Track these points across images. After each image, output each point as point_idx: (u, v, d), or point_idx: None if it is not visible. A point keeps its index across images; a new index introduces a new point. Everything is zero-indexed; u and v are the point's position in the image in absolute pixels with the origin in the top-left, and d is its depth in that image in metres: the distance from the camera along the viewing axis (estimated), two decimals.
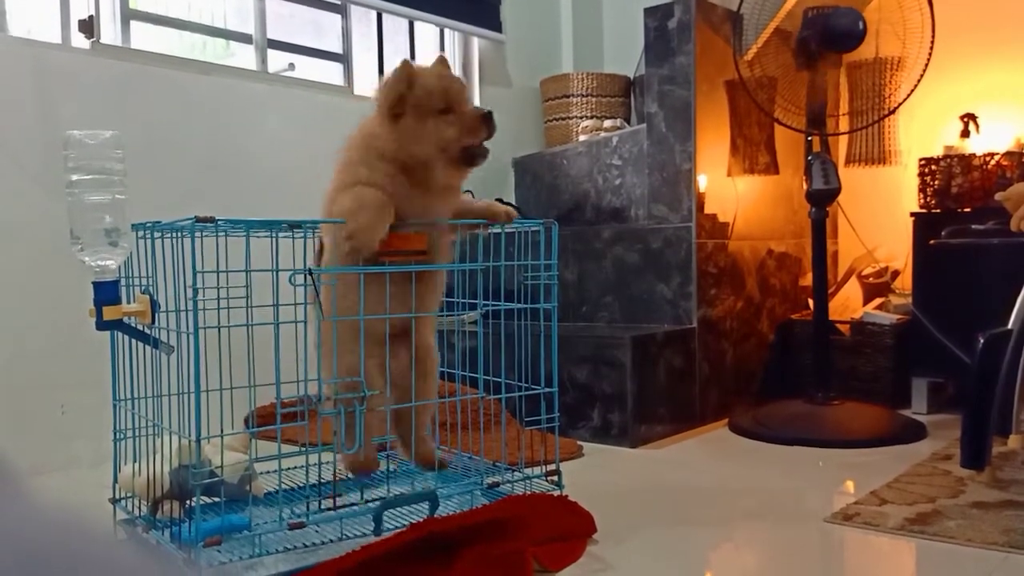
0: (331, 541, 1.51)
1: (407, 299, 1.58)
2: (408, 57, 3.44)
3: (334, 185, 1.60)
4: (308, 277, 1.50)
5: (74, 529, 0.36)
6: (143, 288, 1.56)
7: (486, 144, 1.61)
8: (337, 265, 1.57)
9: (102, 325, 1.50)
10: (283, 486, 1.63)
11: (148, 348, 1.56)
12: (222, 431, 1.51)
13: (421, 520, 1.55)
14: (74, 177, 1.45)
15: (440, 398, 1.91)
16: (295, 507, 1.61)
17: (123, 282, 1.58)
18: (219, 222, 1.43)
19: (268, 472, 1.79)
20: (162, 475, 1.57)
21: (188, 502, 1.57)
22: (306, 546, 1.50)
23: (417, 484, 1.80)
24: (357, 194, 1.52)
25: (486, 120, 1.57)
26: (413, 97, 1.54)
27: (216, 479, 1.50)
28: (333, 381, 1.57)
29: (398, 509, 1.63)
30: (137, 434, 1.67)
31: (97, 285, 1.48)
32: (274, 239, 1.53)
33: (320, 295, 1.51)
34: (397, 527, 1.55)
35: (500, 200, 3.26)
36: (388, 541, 1.44)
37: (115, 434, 1.71)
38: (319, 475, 1.71)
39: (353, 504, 1.63)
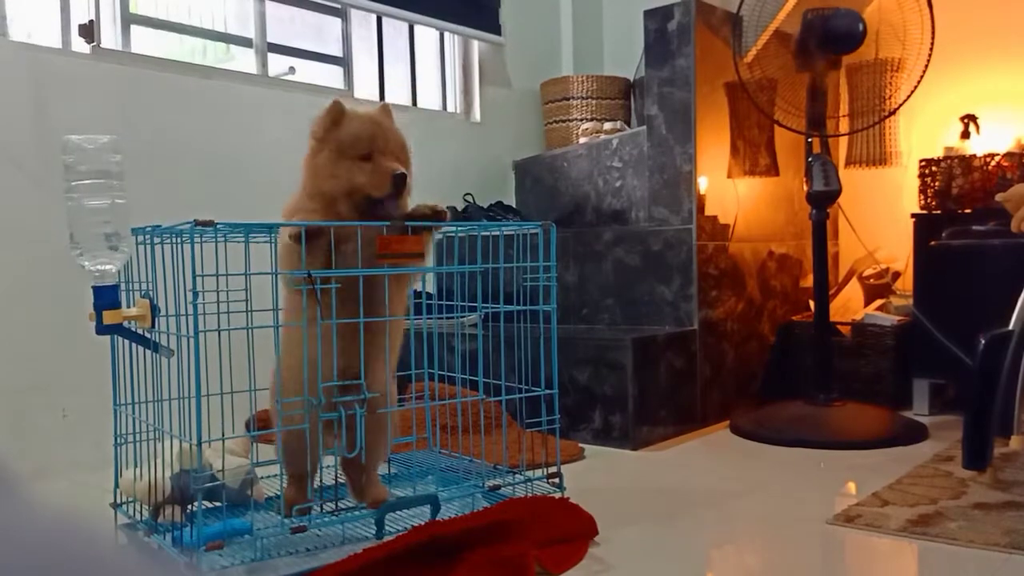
0: (333, 545, 1.51)
1: (356, 336, 1.58)
2: (408, 61, 3.44)
3: (291, 200, 1.67)
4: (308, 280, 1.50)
5: (75, 533, 0.36)
6: (143, 292, 1.56)
7: (406, 199, 1.63)
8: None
9: (102, 329, 1.50)
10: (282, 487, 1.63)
11: (148, 352, 1.56)
12: (223, 435, 1.50)
13: (423, 523, 1.55)
14: (73, 182, 1.45)
15: (440, 400, 1.91)
16: (297, 510, 1.61)
17: (123, 286, 1.58)
18: (219, 226, 1.43)
19: (269, 476, 1.79)
20: (163, 480, 1.57)
21: (189, 506, 1.57)
22: (308, 550, 1.50)
23: (418, 488, 1.80)
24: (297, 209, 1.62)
25: (396, 180, 1.57)
26: (337, 136, 1.59)
27: (217, 483, 1.49)
28: (334, 383, 1.57)
29: (400, 512, 1.63)
30: (138, 439, 1.67)
31: (97, 289, 1.48)
32: (273, 243, 1.53)
33: (322, 300, 1.51)
34: (399, 530, 1.55)
35: (497, 208, 3.26)
36: (390, 544, 1.44)
37: (116, 439, 1.71)
38: (320, 479, 1.71)
39: (355, 508, 1.63)
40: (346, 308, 1.53)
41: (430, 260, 1.72)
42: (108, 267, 1.48)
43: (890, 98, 2.65)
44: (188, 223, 1.41)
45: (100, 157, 1.46)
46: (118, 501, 1.74)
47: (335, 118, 1.60)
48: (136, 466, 1.66)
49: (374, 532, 1.56)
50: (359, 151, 1.58)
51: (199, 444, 1.40)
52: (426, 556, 1.43)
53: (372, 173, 1.57)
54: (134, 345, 1.60)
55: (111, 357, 1.68)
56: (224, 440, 1.53)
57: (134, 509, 1.69)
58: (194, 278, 1.38)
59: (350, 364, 1.57)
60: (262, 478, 1.75)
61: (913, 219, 2.85)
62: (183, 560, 1.43)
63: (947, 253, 2.73)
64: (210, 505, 1.57)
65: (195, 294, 1.37)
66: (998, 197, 2.02)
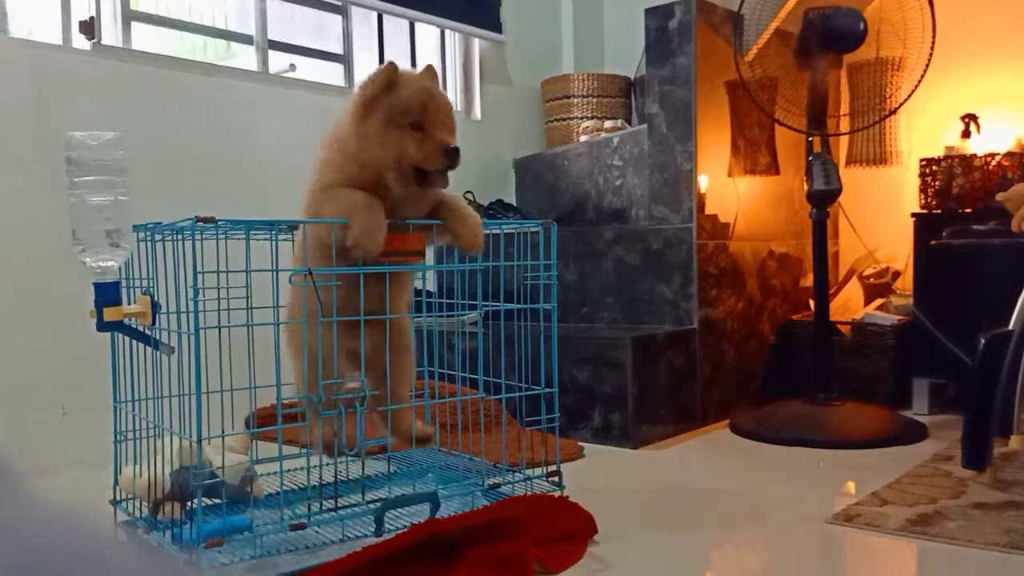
0: (333, 542, 1.51)
1: (377, 300, 1.58)
2: (409, 59, 3.44)
3: (314, 185, 1.58)
4: (308, 277, 1.50)
5: (75, 530, 0.36)
6: (144, 289, 1.56)
7: (448, 174, 1.56)
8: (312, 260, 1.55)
9: (103, 326, 1.50)
10: (284, 487, 1.63)
11: (149, 349, 1.56)
12: (223, 432, 1.50)
13: (422, 521, 1.55)
14: (76, 178, 1.45)
15: (440, 399, 1.91)
16: (296, 508, 1.61)
17: (124, 283, 1.58)
18: (219, 222, 1.43)
19: (269, 473, 1.79)
20: (163, 477, 1.57)
21: (189, 503, 1.57)
22: (308, 547, 1.50)
23: (418, 485, 1.80)
24: (343, 198, 1.51)
25: (449, 154, 1.52)
26: (388, 102, 1.52)
27: (217, 480, 1.49)
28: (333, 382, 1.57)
29: (399, 510, 1.63)
30: (138, 436, 1.67)
31: (98, 286, 1.49)
32: (274, 240, 1.53)
33: (320, 295, 1.51)
34: (398, 528, 1.55)
35: (497, 206, 3.26)
36: (389, 542, 1.44)
37: (116, 436, 1.71)
38: (320, 476, 1.71)
39: (354, 505, 1.63)
40: (351, 301, 1.54)
41: (430, 258, 1.72)
42: (110, 263, 1.49)
43: (891, 97, 2.65)
44: (189, 220, 1.41)
45: (103, 154, 1.46)
46: (118, 498, 1.74)
47: (389, 81, 1.52)
48: (136, 463, 1.66)
49: (373, 530, 1.56)
50: (411, 118, 1.51)
51: (199, 441, 1.40)
52: (426, 554, 1.43)
53: (423, 143, 1.51)
54: (134, 342, 1.60)
55: (111, 354, 1.69)
56: (224, 437, 1.53)
57: (133, 506, 1.69)
58: (195, 275, 1.38)
59: (372, 308, 1.57)
60: (262, 475, 1.75)
61: (913, 218, 2.85)
62: (183, 557, 1.43)
63: (947, 253, 2.73)
64: (209, 502, 1.56)
65: (196, 291, 1.37)
66: (998, 196, 2.02)
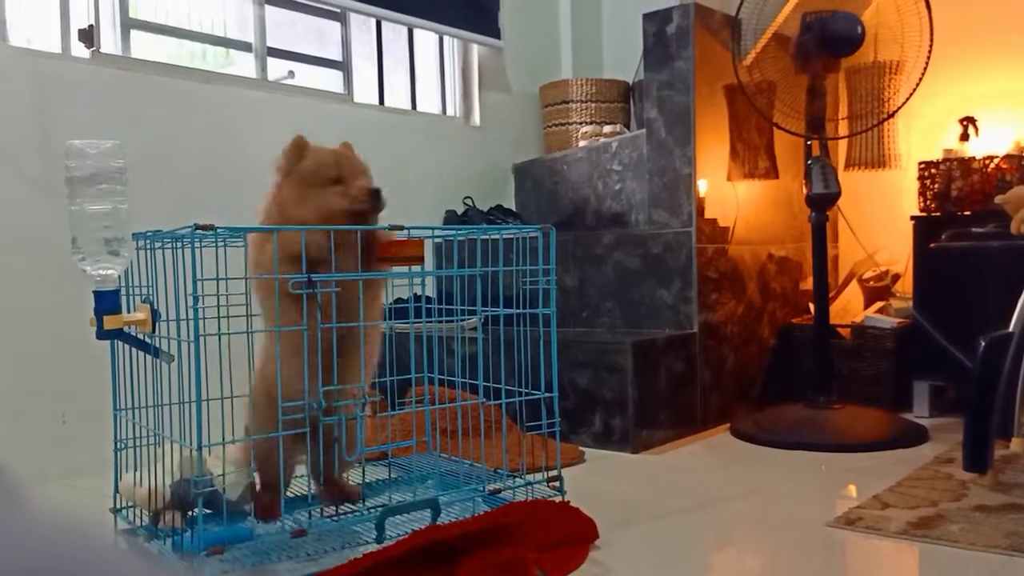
0: (333, 549, 1.51)
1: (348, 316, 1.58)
2: (408, 65, 3.45)
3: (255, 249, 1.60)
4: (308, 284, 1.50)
5: (76, 539, 0.36)
6: (143, 297, 1.56)
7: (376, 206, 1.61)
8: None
9: (103, 334, 1.50)
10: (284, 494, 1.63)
11: (148, 357, 1.56)
12: (223, 440, 1.50)
13: (423, 527, 1.55)
14: (75, 187, 1.45)
15: (441, 404, 1.91)
16: (297, 515, 1.61)
17: (123, 291, 1.58)
18: (219, 230, 1.43)
19: None
20: (163, 486, 1.56)
21: (189, 512, 1.56)
22: (308, 555, 1.50)
23: (419, 492, 1.80)
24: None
25: (373, 195, 1.59)
26: (301, 167, 1.59)
27: (217, 493, 1.49)
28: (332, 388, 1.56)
29: (400, 516, 1.63)
30: (138, 443, 1.67)
31: (98, 295, 1.48)
32: (274, 248, 1.53)
33: (321, 303, 1.51)
34: (399, 535, 1.55)
35: (497, 212, 3.26)
36: (390, 549, 1.43)
37: (116, 443, 1.71)
38: (320, 483, 1.70)
39: (355, 512, 1.63)
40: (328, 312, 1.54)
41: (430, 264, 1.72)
42: (109, 272, 1.49)
43: (889, 100, 2.65)
44: (188, 227, 1.41)
45: (103, 162, 1.46)
46: (118, 506, 1.74)
47: (299, 150, 1.61)
48: (136, 470, 1.65)
49: (374, 536, 1.55)
50: (330, 175, 1.59)
51: (199, 449, 1.40)
52: (427, 560, 1.43)
53: (345, 193, 1.58)
54: (134, 350, 1.60)
55: (111, 361, 1.68)
56: (224, 445, 1.53)
57: (134, 514, 1.69)
58: (195, 283, 1.38)
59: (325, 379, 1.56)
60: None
61: (912, 221, 2.85)
62: (184, 565, 1.42)
63: (947, 255, 2.73)
64: (209, 511, 1.56)
65: (196, 299, 1.37)
66: (997, 199, 2.03)
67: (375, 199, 1.59)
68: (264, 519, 1.58)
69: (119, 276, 1.52)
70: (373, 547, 1.49)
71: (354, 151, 1.69)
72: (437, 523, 1.60)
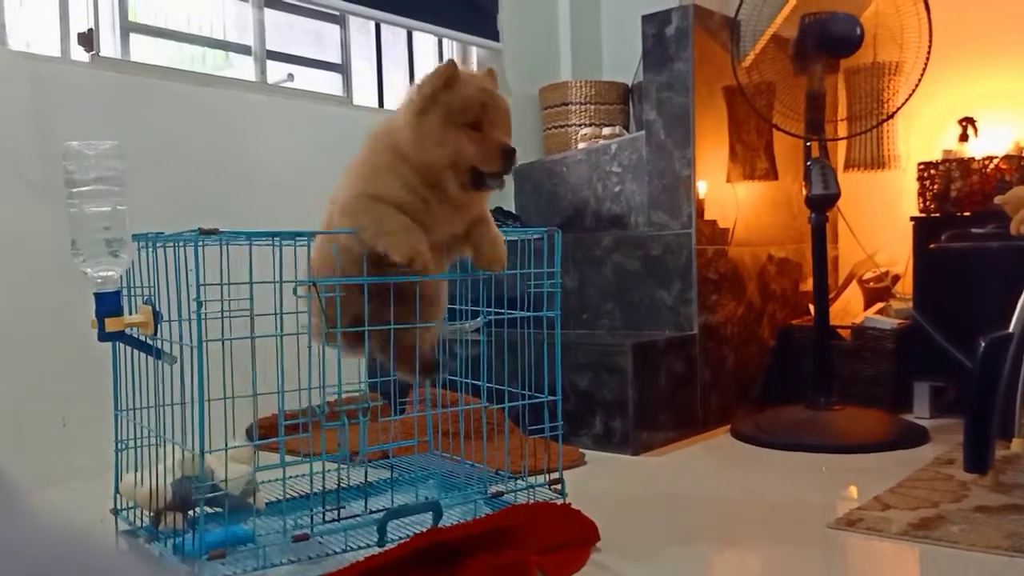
0: (336, 553, 1.51)
1: (407, 316, 1.59)
2: (407, 67, 3.45)
3: (352, 188, 1.52)
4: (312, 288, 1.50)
5: (76, 542, 0.36)
6: (145, 299, 1.56)
7: (504, 177, 1.52)
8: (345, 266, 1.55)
9: (104, 337, 1.50)
10: (285, 497, 1.63)
11: (149, 358, 1.56)
12: (227, 444, 1.50)
13: (425, 530, 1.55)
14: (74, 188, 1.45)
15: (443, 408, 1.91)
16: (299, 518, 1.61)
17: (125, 293, 1.57)
18: (222, 234, 1.43)
19: (271, 480, 1.78)
20: (164, 486, 1.56)
21: (191, 513, 1.56)
22: (311, 558, 1.50)
23: (421, 494, 1.80)
24: (386, 219, 1.47)
25: (505, 155, 1.48)
26: (447, 100, 1.47)
27: (220, 493, 1.49)
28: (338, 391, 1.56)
29: (402, 519, 1.63)
30: (139, 444, 1.67)
31: (99, 296, 1.48)
32: (279, 248, 1.52)
33: (323, 305, 1.51)
34: (401, 537, 1.55)
35: (497, 214, 3.26)
36: (392, 551, 1.44)
37: (116, 444, 1.70)
38: (323, 485, 1.70)
39: (357, 515, 1.63)
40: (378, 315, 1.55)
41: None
42: (110, 273, 1.48)
43: (888, 101, 2.66)
44: (192, 231, 1.41)
45: (101, 163, 1.45)
46: (118, 507, 1.73)
47: (448, 79, 1.47)
48: (137, 471, 1.65)
49: (376, 539, 1.55)
50: (469, 119, 1.47)
51: (202, 453, 1.40)
52: (428, 562, 1.43)
53: (482, 143, 1.47)
54: (136, 351, 1.60)
55: (112, 363, 1.68)
56: (227, 449, 1.52)
57: (135, 515, 1.69)
58: (198, 287, 1.37)
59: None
60: (263, 483, 1.74)
61: (912, 222, 2.85)
62: (185, 568, 1.42)
63: (946, 256, 2.74)
64: (211, 510, 1.56)
65: (199, 303, 1.37)
66: (997, 200, 2.03)
67: (508, 159, 1.48)
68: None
69: (120, 278, 1.52)
70: (375, 550, 1.49)
71: (497, 85, 1.57)
72: (439, 526, 1.60)
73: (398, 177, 1.49)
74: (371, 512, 1.63)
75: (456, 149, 1.47)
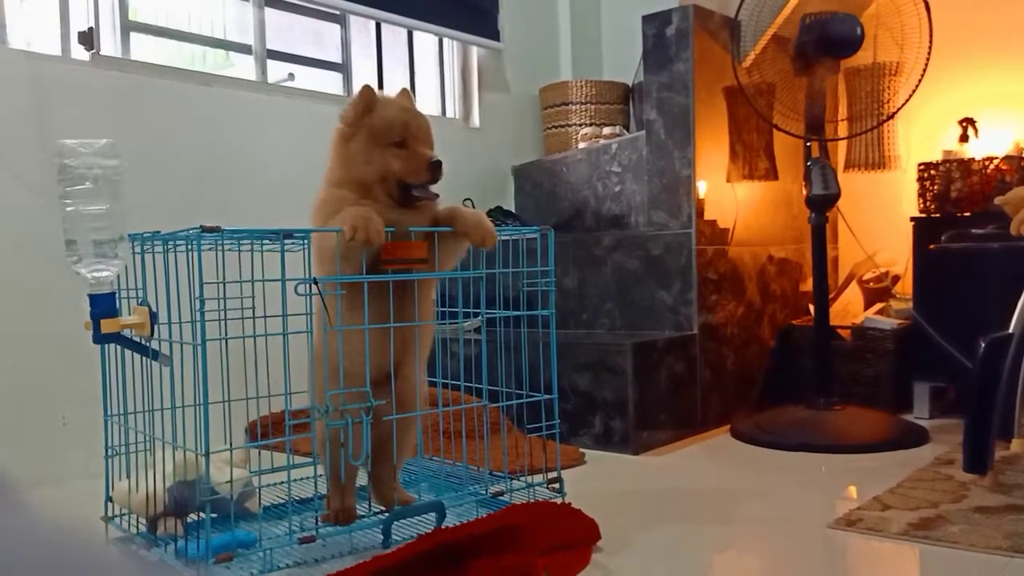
0: (340, 555, 1.51)
1: (399, 330, 1.59)
2: (408, 67, 3.45)
3: (316, 221, 1.61)
4: (312, 286, 1.50)
5: (74, 544, 0.36)
6: (140, 300, 1.54)
7: (433, 189, 1.62)
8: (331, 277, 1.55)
9: (99, 338, 1.48)
10: (282, 499, 1.63)
11: (141, 360, 1.54)
12: (230, 445, 1.49)
13: (429, 531, 1.55)
14: (68, 187, 1.43)
15: (444, 407, 1.90)
16: (303, 520, 1.60)
17: (122, 293, 1.56)
18: (223, 232, 1.43)
19: (275, 484, 1.77)
20: (162, 491, 1.54)
21: (188, 517, 1.55)
22: (316, 560, 1.49)
23: (423, 495, 1.80)
24: (335, 204, 1.55)
25: (432, 166, 1.59)
26: (369, 123, 1.59)
27: (219, 496, 1.48)
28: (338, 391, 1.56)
29: (406, 520, 1.63)
30: (131, 449, 1.64)
31: (93, 298, 1.46)
32: (281, 250, 1.52)
33: (325, 305, 1.51)
34: (406, 538, 1.55)
35: (496, 213, 3.26)
36: (397, 553, 1.43)
37: (106, 450, 1.67)
38: (327, 487, 1.70)
39: (361, 517, 1.63)
40: (376, 308, 1.55)
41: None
42: (105, 274, 1.46)
43: (888, 102, 2.66)
44: (194, 229, 1.40)
45: (96, 161, 1.43)
46: (110, 514, 1.69)
47: (368, 104, 1.59)
48: (131, 477, 1.62)
49: (381, 541, 1.56)
50: (393, 138, 1.58)
51: (207, 455, 1.39)
52: (433, 563, 1.43)
53: (407, 159, 1.58)
54: (127, 354, 1.58)
55: (101, 367, 1.65)
56: (231, 450, 1.52)
57: (128, 522, 1.66)
58: (200, 286, 1.37)
59: (382, 364, 1.58)
60: (266, 486, 1.74)
61: (912, 223, 2.86)
62: (189, 573, 1.42)
63: (946, 256, 2.74)
64: (199, 516, 1.55)
65: (201, 302, 1.36)
66: (997, 200, 2.03)
67: (433, 171, 1.59)
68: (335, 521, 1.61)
69: (115, 278, 1.49)
70: (380, 552, 1.49)
71: (414, 104, 1.68)
72: (443, 527, 1.60)
73: (346, 195, 1.58)
74: (375, 513, 1.63)
75: (383, 165, 1.58)
